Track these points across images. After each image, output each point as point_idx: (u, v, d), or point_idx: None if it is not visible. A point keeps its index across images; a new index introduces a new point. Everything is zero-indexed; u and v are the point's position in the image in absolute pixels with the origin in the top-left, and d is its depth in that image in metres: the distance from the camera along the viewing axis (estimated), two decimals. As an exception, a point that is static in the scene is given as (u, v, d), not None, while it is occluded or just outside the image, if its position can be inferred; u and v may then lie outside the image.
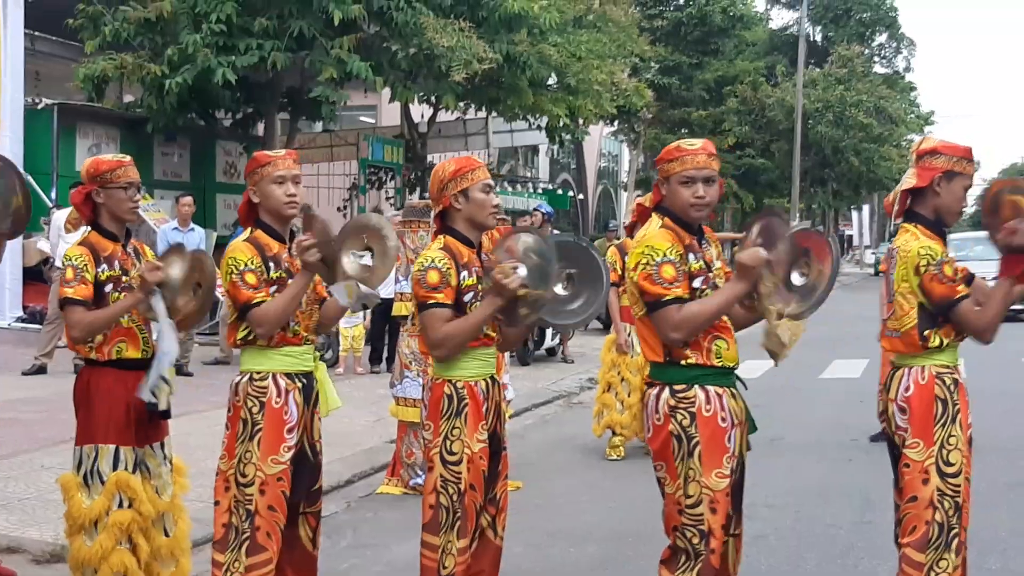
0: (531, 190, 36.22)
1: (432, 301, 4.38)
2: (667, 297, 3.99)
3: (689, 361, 4.08)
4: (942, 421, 4.28)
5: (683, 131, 40.76)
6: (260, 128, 19.37)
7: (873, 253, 61.11)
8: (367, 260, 4.61)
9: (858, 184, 45.49)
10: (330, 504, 7.16)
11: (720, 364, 4.11)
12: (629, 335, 8.96)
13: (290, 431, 4.54)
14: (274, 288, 4.52)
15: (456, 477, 4.43)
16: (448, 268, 4.43)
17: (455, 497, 4.42)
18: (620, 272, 8.99)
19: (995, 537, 6.43)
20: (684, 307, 4.00)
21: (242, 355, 4.62)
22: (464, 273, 4.47)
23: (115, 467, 4.65)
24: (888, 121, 42.07)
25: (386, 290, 13.03)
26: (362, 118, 31.30)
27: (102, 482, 4.65)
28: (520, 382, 11.71)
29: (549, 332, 14.44)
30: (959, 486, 4.25)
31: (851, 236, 69.22)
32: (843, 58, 42.34)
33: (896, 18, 50.22)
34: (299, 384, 4.59)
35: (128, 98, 18.80)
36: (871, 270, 54.51)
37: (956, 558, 4.22)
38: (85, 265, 4.62)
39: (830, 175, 43.53)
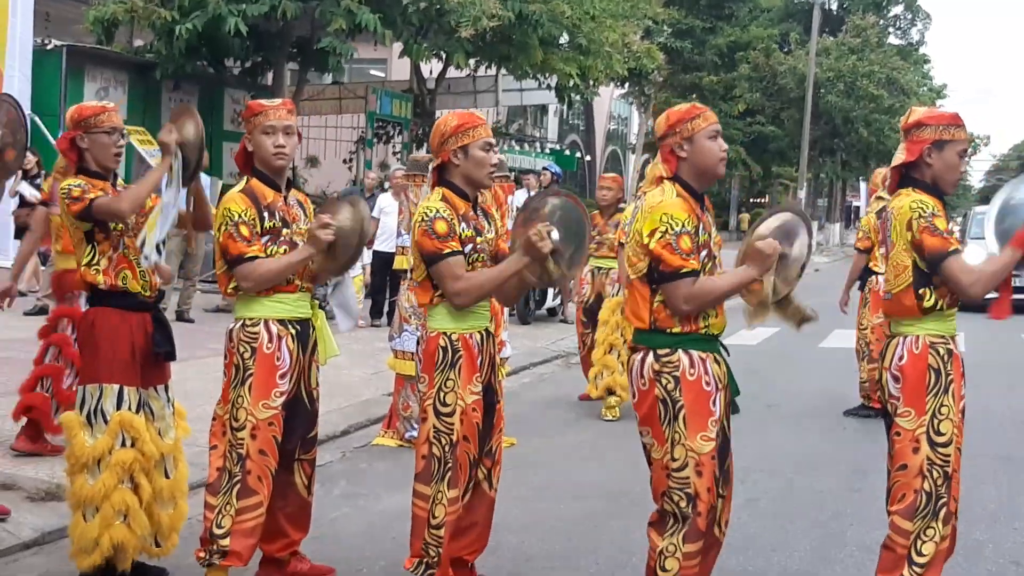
0: (539, 150, 36.13)
1: (448, 250, 4.40)
2: (684, 269, 3.99)
3: (674, 331, 4.10)
4: (934, 391, 4.26)
5: (693, 96, 40.61)
6: (269, 77, 19.29)
7: (880, 225, 60.89)
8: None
9: (867, 155, 45.29)
10: (325, 454, 7.20)
11: (705, 332, 4.13)
12: None
13: (282, 376, 4.60)
14: (267, 238, 4.56)
15: (449, 428, 4.46)
16: (452, 218, 4.46)
17: (447, 448, 4.46)
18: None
19: (984, 509, 6.46)
20: (698, 281, 4.01)
21: (236, 302, 4.67)
22: (463, 225, 4.49)
23: (119, 407, 4.67)
24: (900, 93, 41.83)
25: (387, 244, 13.08)
26: (372, 71, 31.18)
27: (105, 421, 4.67)
28: (519, 340, 11.74)
29: (551, 292, 14.46)
30: (949, 456, 4.24)
31: (858, 207, 69.08)
32: (857, 28, 42.10)
33: (913, -11, 49.89)
34: (292, 331, 4.64)
35: (138, 42, 18.73)
36: (877, 242, 54.42)
37: (944, 527, 4.23)
38: (87, 186, 4.65)
39: (839, 145, 43.36)
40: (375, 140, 22.86)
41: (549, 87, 22.97)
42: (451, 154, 4.53)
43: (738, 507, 6.45)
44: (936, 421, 4.26)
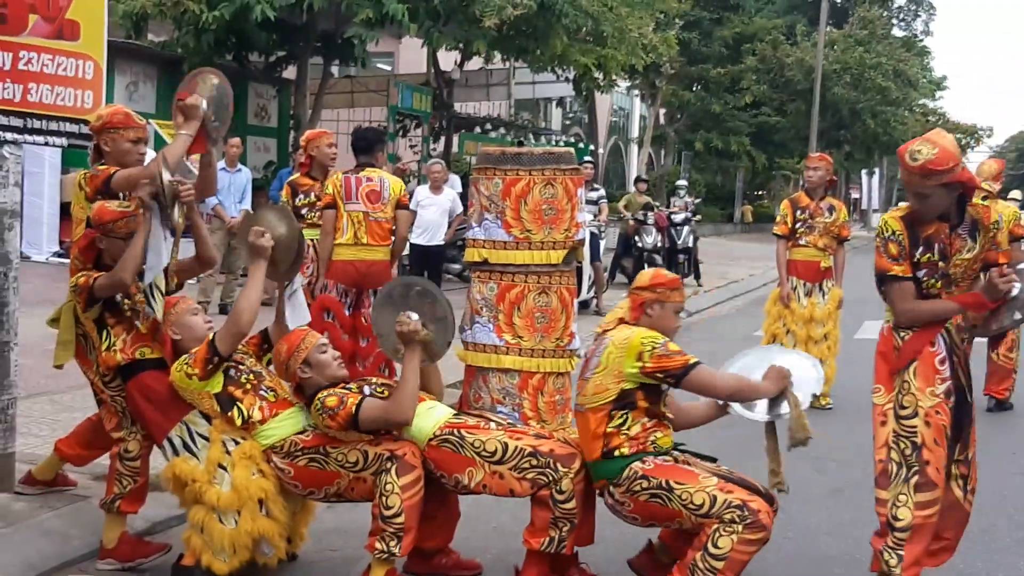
0: (545, 142, 36.09)
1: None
2: (691, 361, 4.55)
3: (624, 452, 4.55)
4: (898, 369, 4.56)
5: (698, 87, 40.60)
6: (293, 72, 19.29)
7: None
8: None
9: (871, 147, 45.40)
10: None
11: (654, 448, 4.60)
12: (794, 288, 9.11)
13: None
14: None
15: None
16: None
17: None
18: (789, 225, 9.13)
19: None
20: (703, 366, 4.59)
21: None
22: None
23: (209, 422, 4.81)
24: (906, 84, 41.90)
25: (423, 237, 13.07)
26: (379, 65, 31.13)
27: (206, 439, 4.77)
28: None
29: (584, 285, 14.42)
30: (915, 427, 4.48)
31: (856, 199, 69.29)
32: (863, 20, 42.11)
33: (917, -19, 49.99)
34: None
35: (160, 37, 18.67)
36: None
37: (917, 494, 4.44)
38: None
39: (845, 137, 43.37)
40: (395, 134, 22.87)
41: (567, 80, 22.93)
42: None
43: (824, 497, 6.58)
44: (900, 396, 4.53)
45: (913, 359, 4.51)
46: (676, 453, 4.69)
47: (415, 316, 4.75)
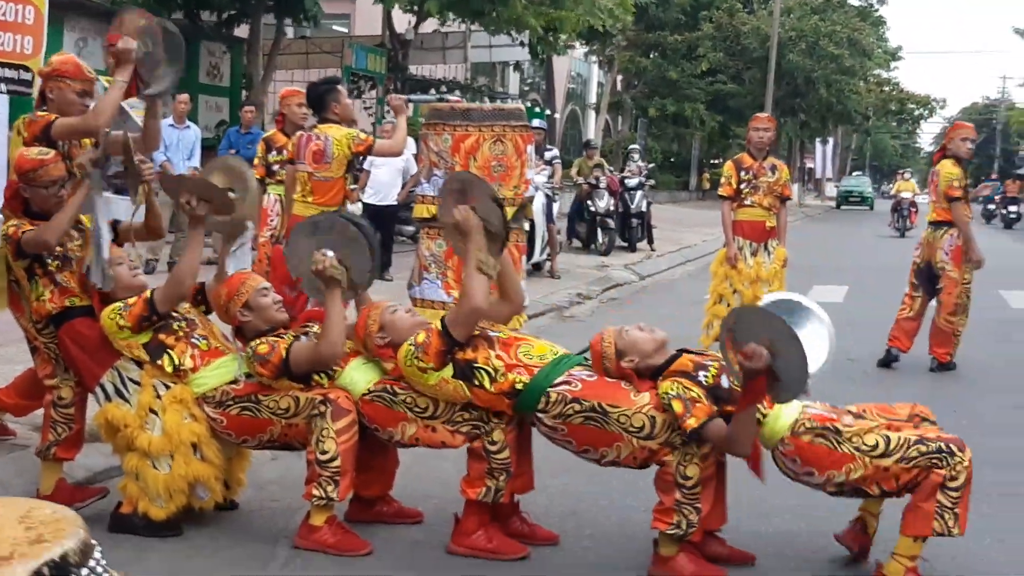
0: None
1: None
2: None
3: (522, 380, 4.54)
4: None
5: (655, 54, 40.59)
6: (245, 30, 19.06)
7: (836, 186, 61.47)
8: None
9: (825, 117, 45.63)
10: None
11: (538, 359, 4.62)
12: (740, 249, 9.15)
13: None
14: None
15: None
16: None
17: None
18: (734, 186, 9.18)
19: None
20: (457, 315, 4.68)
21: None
22: None
23: (141, 367, 4.78)
24: (861, 54, 42.08)
25: (375, 197, 13.04)
26: (335, 27, 30.87)
27: (137, 384, 4.75)
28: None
29: (538, 247, 14.42)
30: None
31: (811, 169, 69.68)
32: (819, -12, 42.23)
33: (873, -51, 50.11)
34: None
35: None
36: (832, 203, 54.89)
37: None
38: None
39: (800, 105, 43.52)
40: (349, 95, 22.67)
41: (522, 43, 22.84)
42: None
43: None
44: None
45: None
46: None
47: (330, 252, 4.70)
